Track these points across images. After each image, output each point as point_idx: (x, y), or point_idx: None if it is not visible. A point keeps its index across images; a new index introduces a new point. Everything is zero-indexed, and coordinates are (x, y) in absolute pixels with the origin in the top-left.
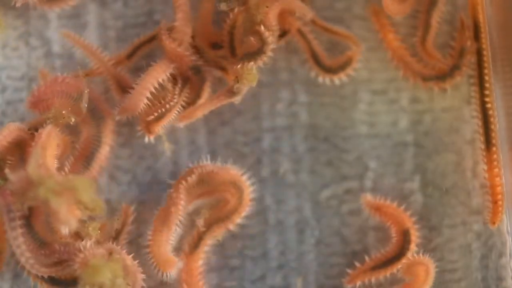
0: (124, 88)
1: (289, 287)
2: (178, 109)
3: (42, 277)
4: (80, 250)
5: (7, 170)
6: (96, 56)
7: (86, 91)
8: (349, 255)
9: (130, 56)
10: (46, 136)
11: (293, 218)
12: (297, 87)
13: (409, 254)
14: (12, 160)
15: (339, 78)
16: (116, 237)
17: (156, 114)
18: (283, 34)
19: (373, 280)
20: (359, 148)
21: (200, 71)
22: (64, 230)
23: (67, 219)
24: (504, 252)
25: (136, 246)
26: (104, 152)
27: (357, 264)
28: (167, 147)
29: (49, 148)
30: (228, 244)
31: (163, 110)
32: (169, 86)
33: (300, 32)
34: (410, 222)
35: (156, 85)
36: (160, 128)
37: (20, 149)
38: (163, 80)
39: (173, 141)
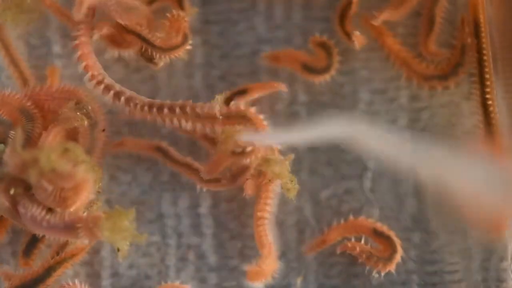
0: None
1: (289, 287)
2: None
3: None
4: None
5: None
6: None
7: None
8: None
9: None
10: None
11: (293, 218)
12: (297, 87)
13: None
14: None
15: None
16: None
17: None
18: None
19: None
20: (358, 148)
21: None
22: (95, 188)
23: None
24: (505, 256)
25: (136, 245)
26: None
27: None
28: None
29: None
30: (228, 244)
31: None
32: None
33: None
34: (369, 223)
35: None
36: None
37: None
38: None
39: (173, 141)
